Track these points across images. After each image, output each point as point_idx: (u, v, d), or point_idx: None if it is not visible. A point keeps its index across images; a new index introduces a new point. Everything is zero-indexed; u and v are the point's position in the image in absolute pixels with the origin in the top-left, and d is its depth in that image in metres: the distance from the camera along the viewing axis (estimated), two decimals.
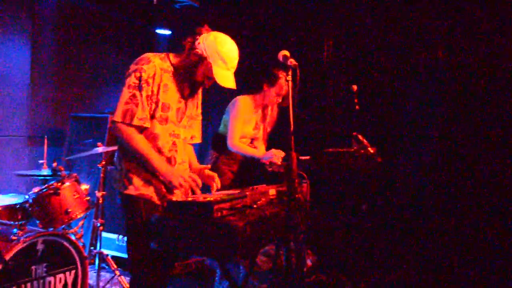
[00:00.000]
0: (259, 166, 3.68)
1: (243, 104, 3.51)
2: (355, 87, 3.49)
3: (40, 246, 2.72)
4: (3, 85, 4.33)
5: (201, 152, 5.57)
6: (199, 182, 2.34)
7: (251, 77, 3.71)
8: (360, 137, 3.37)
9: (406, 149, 4.24)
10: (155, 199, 2.34)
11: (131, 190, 2.30)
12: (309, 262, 4.08)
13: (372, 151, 3.32)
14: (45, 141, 3.65)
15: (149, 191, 2.32)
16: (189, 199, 2.26)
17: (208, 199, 2.19)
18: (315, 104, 4.72)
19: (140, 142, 2.27)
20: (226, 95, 3.66)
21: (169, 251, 2.33)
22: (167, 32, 5.56)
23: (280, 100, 3.54)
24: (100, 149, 3.54)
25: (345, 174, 3.73)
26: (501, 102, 3.75)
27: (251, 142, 3.74)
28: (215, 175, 2.51)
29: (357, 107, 3.54)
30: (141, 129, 2.29)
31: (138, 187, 2.30)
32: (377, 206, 4.15)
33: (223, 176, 3.57)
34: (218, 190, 2.52)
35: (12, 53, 4.41)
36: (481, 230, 3.71)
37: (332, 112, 4.63)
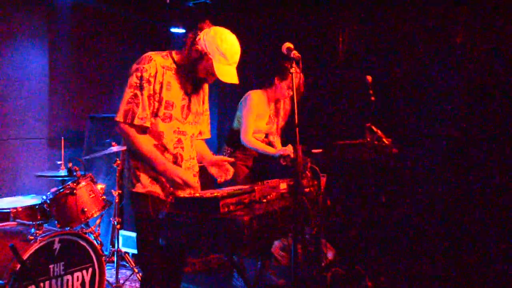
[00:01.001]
0: (273, 160, 3.67)
1: (255, 99, 3.50)
2: (369, 78, 3.43)
3: (57, 245, 2.77)
4: (23, 89, 4.44)
5: (219, 148, 5.62)
6: (193, 186, 2.34)
7: (263, 71, 3.70)
8: (374, 128, 3.31)
9: (424, 140, 4.15)
10: (163, 195, 2.35)
11: (139, 188, 2.32)
12: (329, 256, 4.05)
13: (387, 142, 3.26)
14: (62, 142, 3.73)
15: (156, 188, 2.34)
16: (196, 194, 2.26)
17: (215, 194, 2.18)
18: (330, 95, 4.67)
19: (141, 142, 2.28)
20: (242, 91, 3.67)
21: (178, 247, 2.33)
22: (181, 30, 5.58)
23: (292, 93, 3.50)
24: (115, 148, 3.59)
25: (360, 166, 3.68)
26: None
27: (266, 137, 3.73)
28: (230, 169, 2.52)
29: (372, 98, 3.48)
30: (145, 128, 2.31)
31: (145, 184, 2.32)
32: (395, 198, 4.08)
33: (238, 171, 3.58)
34: (231, 185, 2.53)
35: (31, 57, 4.51)
36: (501, 222, 3.60)
37: (347, 104, 4.57)
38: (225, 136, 3.77)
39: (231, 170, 2.54)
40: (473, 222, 3.74)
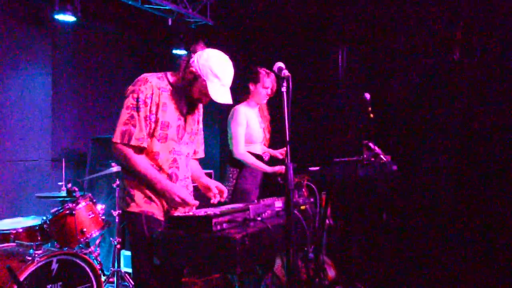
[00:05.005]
0: (271, 178, 3.67)
1: (241, 110, 3.53)
2: (368, 96, 3.45)
3: (54, 266, 2.79)
4: (27, 111, 4.52)
5: (222, 167, 5.64)
6: (192, 203, 2.34)
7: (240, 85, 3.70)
8: (371, 145, 3.32)
9: (424, 157, 4.14)
10: (158, 215, 2.36)
11: (133, 207, 2.34)
12: (331, 274, 4.02)
13: (385, 159, 3.26)
14: (63, 163, 3.78)
15: (151, 208, 2.35)
16: (189, 213, 2.27)
17: (208, 213, 2.20)
18: (328, 113, 4.70)
19: (138, 161, 2.31)
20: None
21: (172, 266, 2.34)
22: (183, 52, 5.66)
23: (270, 95, 3.57)
24: (114, 168, 3.62)
25: (358, 183, 3.67)
26: None
27: (267, 146, 3.72)
28: (218, 186, 2.53)
29: (371, 115, 3.50)
30: (141, 149, 2.34)
31: (140, 204, 2.34)
32: (397, 215, 4.05)
33: (250, 193, 3.54)
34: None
35: (34, 79, 4.60)
36: (502, 241, 3.56)
37: (345, 121, 4.59)
38: (228, 158, 3.69)
39: (225, 190, 2.54)
40: (475, 239, 3.70)
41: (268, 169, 3.44)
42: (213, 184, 2.56)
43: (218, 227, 2.17)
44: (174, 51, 5.71)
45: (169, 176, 2.39)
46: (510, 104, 3.67)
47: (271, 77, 3.51)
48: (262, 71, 3.52)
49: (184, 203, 2.32)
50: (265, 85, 3.51)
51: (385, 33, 4.51)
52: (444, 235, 3.87)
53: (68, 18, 4.37)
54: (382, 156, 3.23)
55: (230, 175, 3.57)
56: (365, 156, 3.20)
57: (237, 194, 3.43)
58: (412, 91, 4.30)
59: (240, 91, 3.53)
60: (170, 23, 5.65)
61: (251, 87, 3.56)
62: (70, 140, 4.88)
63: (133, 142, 2.29)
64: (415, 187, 4.12)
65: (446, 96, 4.10)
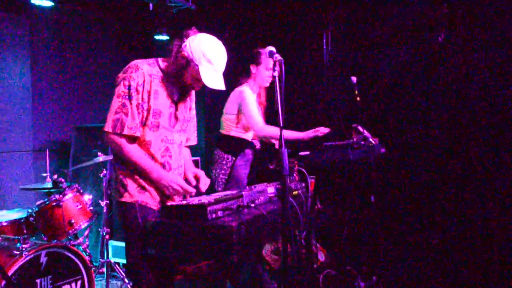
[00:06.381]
0: (261, 164, 3.65)
1: (247, 91, 3.40)
2: (354, 79, 3.44)
3: (43, 259, 2.72)
4: (6, 101, 4.38)
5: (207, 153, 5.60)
6: (190, 190, 2.33)
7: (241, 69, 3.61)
8: (360, 128, 3.32)
9: (411, 138, 4.17)
10: (151, 204, 2.33)
11: (126, 197, 2.29)
12: (321, 258, 4.05)
13: (373, 142, 3.27)
14: (47, 154, 3.68)
15: (144, 197, 2.31)
16: (183, 202, 2.24)
17: (202, 201, 2.17)
18: (315, 97, 4.68)
19: (132, 150, 2.26)
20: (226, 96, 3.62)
21: (167, 256, 2.31)
22: (165, 37, 5.55)
23: (272, 78, 3.39)
24: (101, 158, 3.55)
25: (348, 166, 3.68)
26: (502, 86, 3.67)
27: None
28: (201, 175, 2.51)
29: (358, 98, 3.49)
30: (134, 138, 2.28)
31: (133, 193, 2.29)
32: (385, 197, 4.09)
33: (243, 180, 3.48)
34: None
35: (12, 68, 4.44)
36: (488, 219, 3.63)
37: (332, 105, 4.58)
38: (219, 143, 3.56)
39: (208, 181, 2.52)
40: (463, 219, 3.76)
41: (303, 135, 3.35)
42: (195, 173, 2.52)
43: (213, 215, 2.15)
44: (156, 37, 5.60)
45: (162, 166, 2.35)
46: (494, 85, 3.71)
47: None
48: (263, 52, 3.33)
49: (184, 191, 2.30)
50: (269, 66, 3.35)
51: (370, 16, 4.49)
52: (432, 216, 3.92)
53: (46, 3, 4.22)
54: (370, 139, 3.25)
55: (224, 162, 3.45)
56: (355, 139, 3.21)
57: (232, 182, 3.38)
58: (398, 73, 4.31)
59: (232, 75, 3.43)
60: (151, 8, 5.51)
61: (253, 69, 3.43)
62: (53, 130, 4.75)
63: (125, 132, 2.23)
64: (403, 169, 4.16)
65: (431, 78, 4.12)
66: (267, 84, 3.49)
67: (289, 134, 3.31)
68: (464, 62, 3.91)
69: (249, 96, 3.39)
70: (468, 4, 3.90)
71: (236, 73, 3.41)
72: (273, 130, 3.25)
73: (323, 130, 3.36)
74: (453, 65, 3.98)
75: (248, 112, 3.34)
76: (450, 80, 3.99)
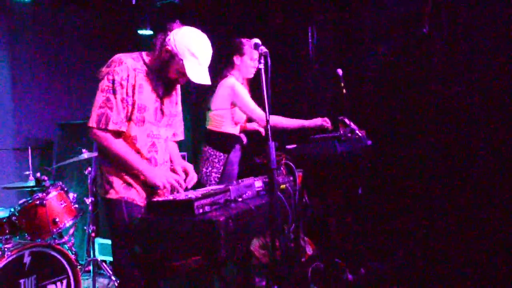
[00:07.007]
0: (247, 159, 3.61)
1: (237, 83, 3.26)
2: (340, 71, 3.43)
3: (27, 259, 2.68)
4: None
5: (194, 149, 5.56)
6: (182, 182, 2.30)
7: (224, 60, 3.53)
8: (346, 120, 3.31)
9: (397, 130, 4.18)
10: (137, 201, 2.29)
11: (112, 194, 2.26)
12: (309, 251, 4.05)
13: (360, 134, 3.27)
14: (29, 152, 3.61)
15: (130, 194, 2.27)
16: (170, 198, 2.21)
17: (189, 196, 2.14)
18: (301, 90, 4.66)
19: (118, 146, 2.22)
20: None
21: (154, 253, 2.27)
22: (148, 32, 5.48)
23: (256, 69, 3.28)
24: (85, 155, 3.49)
25: (335, 159, 3.68)
26: (489, 77, 3.70)
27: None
28: (190, 169, 2.47)
29: (344, 90, 3.48)
30: (119, 133, 2.24)
31: (119, 190, 2.25)
32: (373, 189, 4.10)
33: (235, 177, 3.40)
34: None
35: None
36: (476, 213, 3.66)
37: (318, 98, 4.57)
38: (208, 140, 3.40)
39: (195, 177, 2.48)
40: (451, 211, 3.78)
41: (308, 123, 3.29)
42: (184, 167, 2.48)
43: (201, 210, 2.11)
44: (140, 31, 5.52)
45: (148, 161, 2.31)
46: (480, 75, 3.73)
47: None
48: (246, 42, 3.25)
49: (177, 185, 2.28)
50: (254, 56, 3.26)
51: (354, 7, 4.48)
52: (419, 209, 3.94)
53: None
54: (357, 131, 3.25)
55: (216, 160, 3.31)
56: (342, 132, 3.20)
57: (225, 179, 3.29)
58: (383, 65, 4.31)
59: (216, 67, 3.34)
60: (134, 1, 5.43)
61: (236, 60, 3.30)
62: (35, 127, 4.65)
63: (110, 127, 2.18)
64: (390, 160, 4.17)
65: (416, 69, 4.13)
66: (251, 75, 3.38)
67: (293, 122, 3.28)
68: (450, 53, 3.92)
69: (242, 89, 3.25)
70: None
71: (218, 65, 3.33)
72: (280, 119, 3.22)
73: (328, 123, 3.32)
74: (438, 56, 3.99)
75: (247, 106, 3.20)
76: (436, 71, 4.00)
